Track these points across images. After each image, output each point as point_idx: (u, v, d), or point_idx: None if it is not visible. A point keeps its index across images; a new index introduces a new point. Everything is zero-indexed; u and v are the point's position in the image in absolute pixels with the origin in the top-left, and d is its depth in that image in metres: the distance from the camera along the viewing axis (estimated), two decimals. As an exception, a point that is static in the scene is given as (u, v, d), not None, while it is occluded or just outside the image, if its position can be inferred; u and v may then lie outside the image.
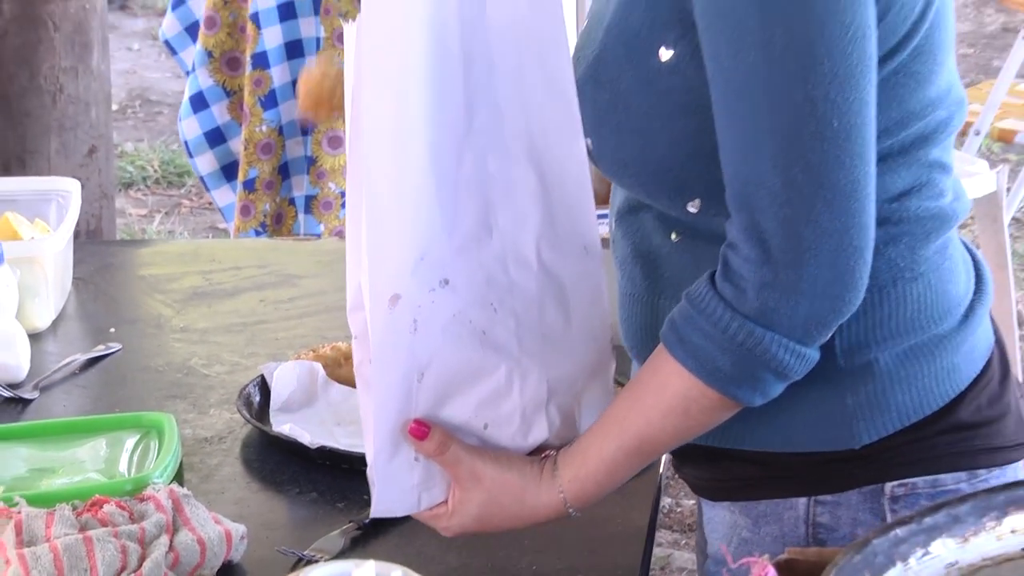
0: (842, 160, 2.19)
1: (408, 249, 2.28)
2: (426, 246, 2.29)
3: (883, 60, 2.24)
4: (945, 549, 1.46)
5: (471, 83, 2.31)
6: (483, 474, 2.35)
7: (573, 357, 2.45)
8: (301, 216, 5.63)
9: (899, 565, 1.44)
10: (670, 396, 2.31)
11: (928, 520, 1.47)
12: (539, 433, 2.41)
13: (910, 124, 2.34)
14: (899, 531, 1.48)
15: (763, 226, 2.20)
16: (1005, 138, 6.04)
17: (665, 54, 2.27)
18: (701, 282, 2.27)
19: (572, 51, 2.41)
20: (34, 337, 3.07)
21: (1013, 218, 6.44)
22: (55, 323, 3.18)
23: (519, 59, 2.35)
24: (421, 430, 2.31)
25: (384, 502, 2.34)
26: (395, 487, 2.34)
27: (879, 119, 2.24)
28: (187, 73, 5.78)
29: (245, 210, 5.65)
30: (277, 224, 5.64)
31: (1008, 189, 6.06)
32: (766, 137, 2.20)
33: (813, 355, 2.26)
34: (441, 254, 2.31)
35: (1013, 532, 1.46)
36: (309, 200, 5.60)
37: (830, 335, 2.27)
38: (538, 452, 2.42)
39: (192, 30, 5.74)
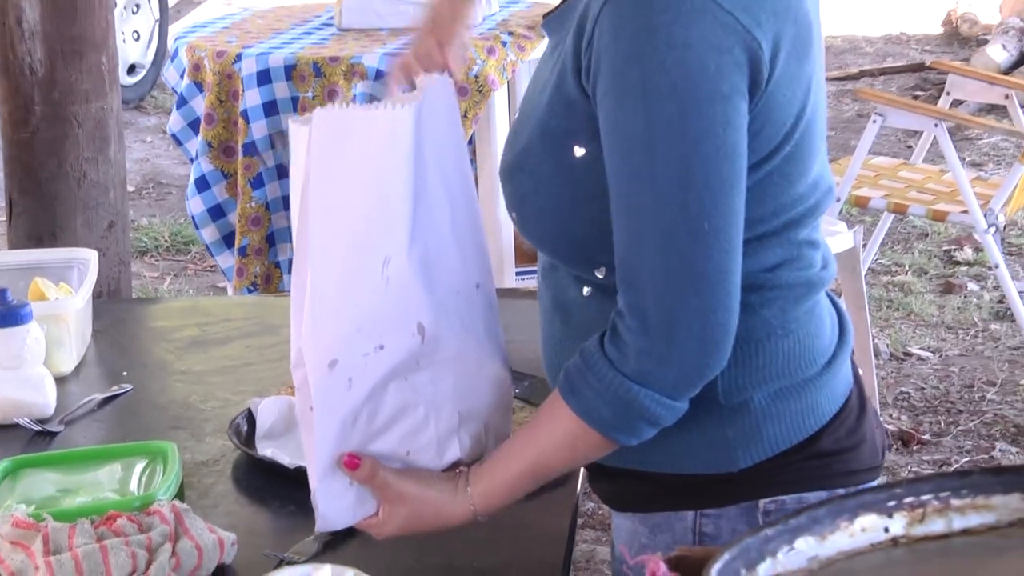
0: (710, 255, 2.22)
1: (346, 323, 2.32)
2: (362, 320, 2.32)
3: (758, 165, 2.26)
4: (807, 545, 1.47)
5: (415, 196, 2.35)
6: (406, 493, 2.38)
7: (479, 391, 2.48)
8: (285, 276, 5.67)
9: (768, 559, 1.46)
10: (561, 434, 2.34)
11: (792, 522, 1.50)
12: (452, 454, 2.43)
13: (782, 214, 2.35)
14: (768, 531, 1.50)
15: (644, 304, 2.23)
16: (861, 204, 6.05)
17: (579, 151, 2.28)
18: (593, 342, 2.29)
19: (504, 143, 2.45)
20: (59, 380, 3.06)
21: (869, 268, 6.44)
22: (77, 368, 3.16)
23: (442, 163, 2.41)
24: (353, 462, 2.34)
25: (325, 518, 2.36)
26: (333, 507, 2.37)
27: (756, 210, 2.28)
28: (191, 160, 5.83)
29: (240, 272, 5.70)
30: (267, 283, 5.68)
31: (864, 245, 6.10)
32: (649, 232, 2.23)
33: (682, 407, 2.28)
34: (376, 326, 2.34)
35: (863, 530, 1.48)
36: (291, 263, 5.59)
37: (702, 387, 2.29)
38: (453, 468, 2.43)
39: (194, 125, 5.77)
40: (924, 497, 1.48)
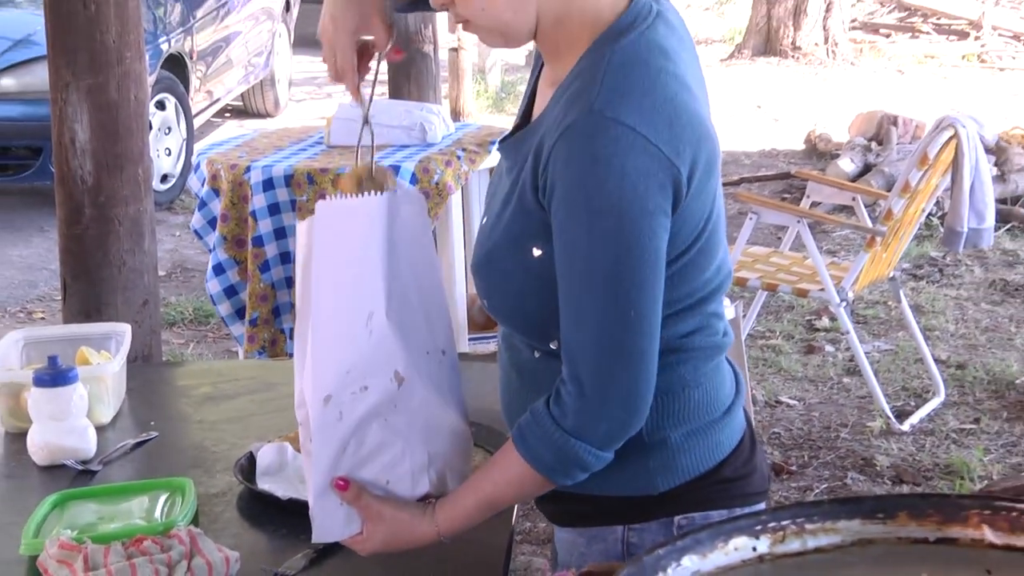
0: (635, 339, 2.25)
1: (338, 366, 2.33)
2: (351, 364, 2.34)
3: (677, 258, 2.29)
4: (691, 562, 1.48)
5: (392, 269, 2.37)
6: (385, 515, 2.39)
7: (443, 438, 2.48)
8: (289, 341, 5.67)
9: (659, 574, 1.44)
10: (512, 474, 2.36)
11: (680, 543, 1.51)
12: (423, 488, 2.44)
13: (695, 293, 2.37)
14: (660, 551, 1.51)
15: (581, 375, 2.26)
16: (740, 283, 6.05)
17: (536, 252, 2.29)
18: (540, 402, 2.30)
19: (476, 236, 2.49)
20: (99, 429, 3.03)
21: (748, 334, 6.44)
22: (114, 419, 3.13)
23: (410, 247, 2.42)
24: (343, 485, 2.36)
25: (320, 531, 2.38)
26: (326, 522, 2.38)
27: (675, 291, 2.31)
28: (210, 251, 5.83)
29: (251, 338, 5.69)
30: (273, 346, 5.68)
31: (744, 315, 6.10)
32: (587, 319, 2.26)
33: (608, 456, 2.31)
34: (362, 370, 2.35)
35: (736, 549, 1.49)
36: (292, 331, 5.66)
37: (627, 437, 2.32)
38: (424, 499, 2.44)
39: (212, 223, 5.76)
40: (784, 522, 1.49)
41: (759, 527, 1.48)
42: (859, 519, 1.47)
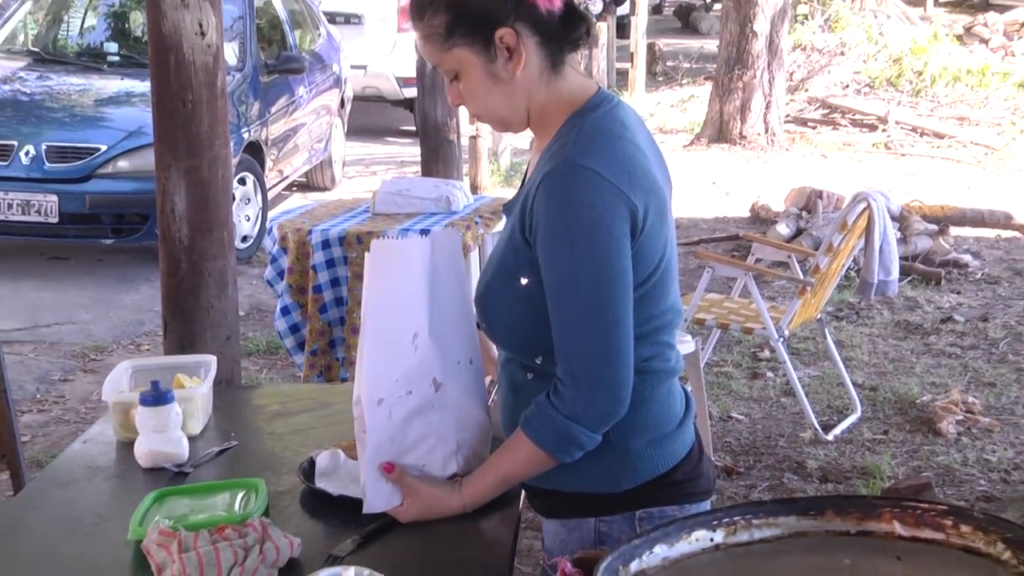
0: (616, 337, 2.27)
1: (389, 375, 2.42)
2: (399, 374, 2.42)
3: (636, 288, 2.30)
4: (661, 550, 1.48)
5: (433, 296, 2.44)
6: (422, 491, 2.46)
7: (470, 428, 2.53)
8: (341, 368, 5.68)
9: (636, 560, 1.44)
10: (522, 455, 2.39)
11: (652, 535, 1.53)
12: (452, 469, 2.51)
13: (652, 322, 2.37)
14: (636, 542, 1.52)
15: (574, 370, 2.28)
16: (699, 323, 6.04)
17: (524, 280, 2.32)
18: (542, 396, 2.33)
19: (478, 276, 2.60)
20: (191, 439, 3.02)
21: (705, 363, 6.41)
22: (203, 431, 3.12)
23: (450, 280, 2.49)
24: (389, 468, 2.44)
25: (370, 503, 2.45)
26: (376, 496, 2.45)
27: (637, 318, 2.31)
28: (278, 296, 5.86)
29: (311, 366, 5.72)
30: (328, 371, 5.71)
31: (702, 348, 6.07)
32: (576, 325, 2.27)
33: (598, 438, 2.32)
34: (408, 379, 2.43)
35: (697, 540, 1.49)
36: (344, 359, 5.65)
37: (607, 429, 2.32)
38: (452, 478, 2.49)
39: (280, 274, 5.81)
40: (735, 518, 1.49)
41: (716, 522, 1.49)
42: (795, 516, 1.47)
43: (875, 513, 1.41)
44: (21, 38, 10.34)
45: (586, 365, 2.27)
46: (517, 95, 2.34)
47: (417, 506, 2.43)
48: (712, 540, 1.45)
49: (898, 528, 1.39)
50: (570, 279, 2.24)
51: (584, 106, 2.35)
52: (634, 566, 1.41)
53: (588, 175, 2.21)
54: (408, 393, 2.39)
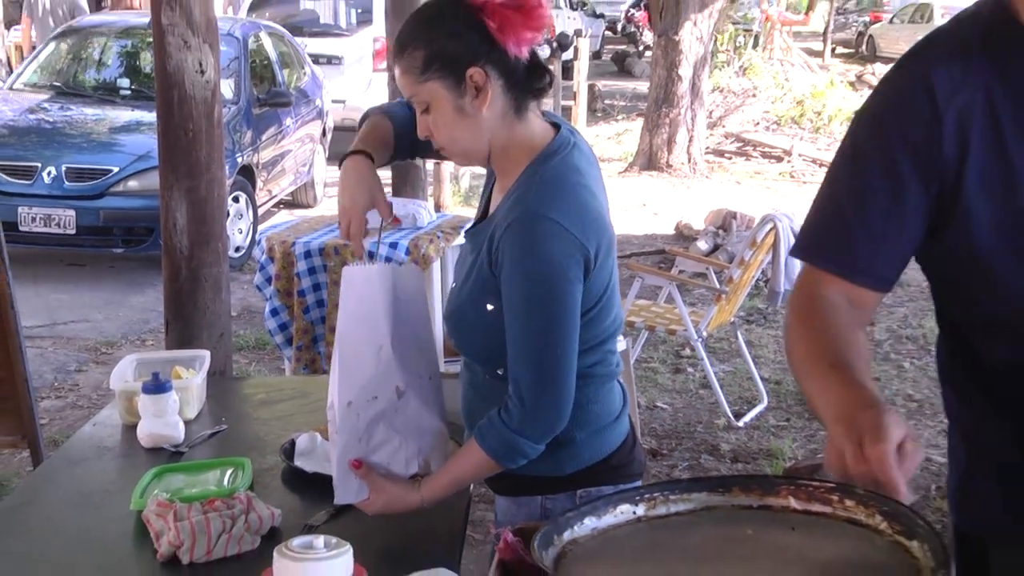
0: (560, 369, 2.27)
1: (357, 382, 2.36)
2: (365, 381, 2.36)
3: (586, 312, 2.30)
4: (590, 521, 1.47)
5: (396, 316, 2.39)
6: (386, 487, 2.38)
7: (429, 435, 2.47)
8: (323, 362, 5.67)
9: (568, 530, 1.43)
10: (474, 461, 2.36)
11: (583, 508, 1.52)
12: (413, 469, 2.44)
13: (598, 338, 2.38)
14: (569, 514, 1.50)
15: (522, 394, 2.27)
16: (630, 325, 6.05)
17: (489, 307, 2.30)
18: (494, 412, 2.31)
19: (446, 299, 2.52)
20: (187, 423, 3.01)
21: (636, 360, 6.45)
22: (197, 416, 3.12)
23: (412, 308, 2.44)
24: (357, 465, 2.37)
25: (340, 496, 2.38)
26: (345, 489, 2.38)
27: (584, 335, 2.30)
28: (267, 300, 5.80)
29: (297, 359, 5.68)
30: (312, 364, 5.67)
31: (632, 347, 6.10)
32: (527, 354, 2.26)
33: (541, 447, 2.32)
34: (373, 385, 2.37)
35: (622, 512, 1.48)
36: (324, 354, 5.66)
37: (553, 436, 2.33)
38: (413, 478, 2.43)
39: (268, 280, 5.76)
40: (655, 494, 1.49)
41: (638, 497, 1.48)
42: (706, 492, 1.47)
43: (774, 490, 1.42)
44: (45, 73, 10.28)
45: (533, 390, 2.26)
46: (481, 131, 2.29)
47: (381, 501, 2.38)
48: (635, 513, 1.45)
49: (793, 503, 1.40)
50: (525, 317, 2.23)
51: (544, 152, 2.32)
52: (567, 535, 1.40)
53: (548, 225, 2.19)
54: (374, 398, 2.34)
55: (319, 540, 1.37)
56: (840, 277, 1.84)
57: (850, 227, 1.82)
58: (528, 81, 2.31)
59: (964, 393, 1.95)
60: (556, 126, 2.39)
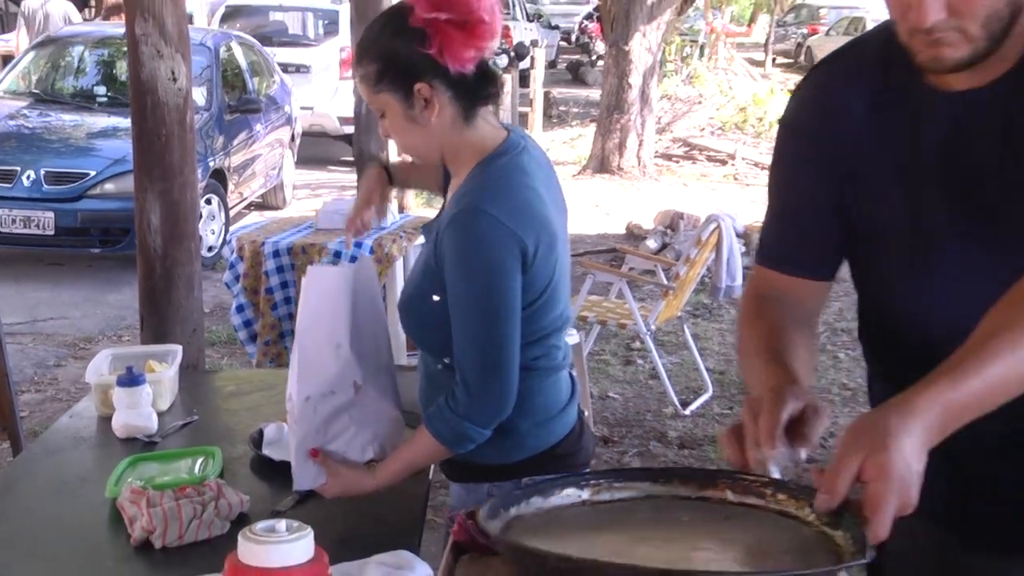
0: (502, 355, 2.27)
1: (315, 378, 2.35)
2: (323, 377, 2.36)
3: (528, 306, 2.29)
4: (537, 501, 1.48)
5: (354, 315, 2.38)
6: (342, 472, 2.39)
7: (384, 422, 2.47)
8: (288, 355, 5.57)
9: (515, 506, 1.46)
10: (424, 446, 2.36)
11: (529, 488, 1.51)
12: (369, 455, 2.44)
13: (542, 331, 2.37)
14: (516, 492, 1.52)
15: (467, 380, 2.27)
16: (583, 320, 6.06)
17: (435, 298, 2.30)
18: (442, 399, 2.31)
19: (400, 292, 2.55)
20: (160, 414, 2.99)
21: (588, 353, 6.44)
22: (170, 408, 3.09)
23: (367, 303, 2.43)
24: (315, 453, 2.37)
25: (299, 482, 2.38)
26: (303, 476, 2.38)
27: (528, 328, 2.30)
28: (235, 296, 5.74)
29: (264, 354, 5.64)
30: (279, 358, 5.62)
31: (585, 340, 6.10)
32: (471, 342, 2.27)
33: (487, 433, 2.32)
34: (331, 382, 2.37)
35: (567, 495, 1.48)
36: (290, 348, 5.59)
37: (498, 421, 2.32)
38: (369, 463, 2.43)
39: (237, 278, 5.72)
40: (601, 481, 1.49)
41: (584, 482, 1.47)
42: (648, 482, 1.47)
43: (713, 482, 1.43)
44: (25, 81, 10.19)
45: (477, 376, 2.26)
46: (432, 137, 2.32)
47: (338, 485, 2.38)
48: (580, 497, 1.45)
49: (729, 495, 1.41)
50: (466, 306, 2.24)
51: (492, 153, 2.33)
52: (513, 511, 1.41)
53: (487, 219, 2.21)
54: (332, 393, 2.34)
55: (281, 524, 1.36)
56: (779, 272, 1.90)
57: (783, 225, 1.90)
58: (477, 89, 2.32)
59: (876, 375, 2.00)
60: (509, 131, 2.41)
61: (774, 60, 27.49)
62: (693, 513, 1.40)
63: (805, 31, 28.90)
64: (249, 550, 1.34)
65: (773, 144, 1.94)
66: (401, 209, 10.03)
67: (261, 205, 11.40)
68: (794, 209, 1.88)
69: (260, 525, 1.35)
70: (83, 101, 9.90)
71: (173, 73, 4.64)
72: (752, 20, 29.90)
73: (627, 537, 1.36)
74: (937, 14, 1.54)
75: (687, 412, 6.14)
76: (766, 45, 26.96)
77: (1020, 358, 1.41)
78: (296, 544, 1.35)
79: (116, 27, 10.57)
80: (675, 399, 6.21)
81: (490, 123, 2.38)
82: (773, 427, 1.43)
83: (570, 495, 1.44)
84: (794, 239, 1.89)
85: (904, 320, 1.83)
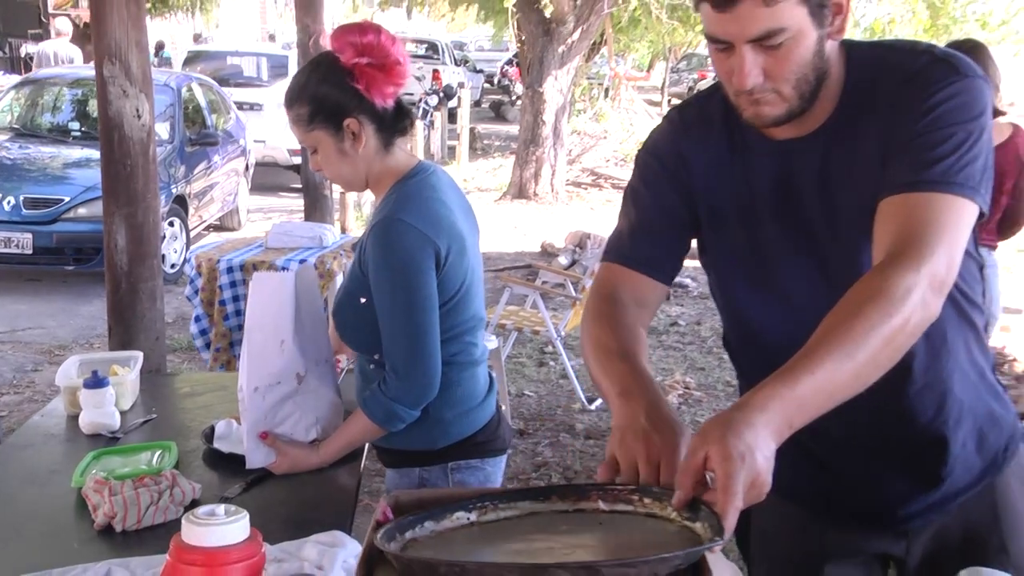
0: (425, 344, 2.27)
1: (263, 370, 2.37)
2: (270, 369, 2.37)
3: (444, 304, 2.31)
4: (429, 524, 1.42)
5: (296, 315, 2.39)
6: (289, 451, 2.41)
7: (325, 407, 2.48)
8: (237, 362, 5.52)
9: (410, 530, 1.40)
10: (360, 426, 2.38)
11: (423, 514, 1.44)
12: (312, 435, 2.46)
13: (457, 328, 2.38)
14: (411, 517, 1.43)
15: (396, 366, 2.27)
16: (502, 327, 6.05)
17: (362, 300, 2.32)
18: (375, 385, 2.32)
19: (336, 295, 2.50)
20: (122, 413, 2.94)
21: (507, 356, 6.44)
22: (131, 407, 3.03)
23: (309, 304, 2.43)
24: (264, 435, 2.39)
25: (251, 461, 2.40)
26: (255, 455, 2.40)
27: (444, 324, 2.31)
28: (195, 308, 5.66)
29: (215, 359, 5.57)
30: (228, 364, 5.55)
31: (504, 345, 6.09)
32: (397, 334, 2.26)
33: (416, 413, 2.31)
34: (277, 373, 2.38)
35: (457, 518, 1.44)
36: (239, 355, 5.56)
37: (425, 405, 2.33)
38: (313, 443, 2.44)
39: (196, 292, 5.65)
40: (486, 503, 1.43)
41: (471, 506, 1.43)
42: (529, 501, 1.44)
43: (586, 495, 1.41)
44: (6, 117, 10.02)
45: (403, 362, 2.27)
46: (359, 166, 2.37)
47: (286, 463, 2.39)
48: (468, 519, 1.41)
49: (601, 504, 1.40)
50: (390, 301, 2.25)
51: (405, 175, 2.39)
52: (408, 534, 1.37)
53: (402, 225, 2.24)
54: (278, 383, 2.35)
55: (220, 508, 1.35)
56: (632, 269, 1.85)
57: (641, 233, 1.86)
58: (394, 122, 2.38)
59: (741, 375, 2.08)
60: (420, 161, 2.47)
61: (669, 101, 27.68)
62: (571, 523, 1.38)
63: (696, 76, 29.17)
64: (191, 532, 1.33)
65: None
66: (343, 230, 10.01)
67: (219, 227, 11.28)
68: (651, 222, 1.86)
69: (202, 510, 1.34)
70: (59, 135, 9.75)
71: (138, 111, 4.59)
72: (650, 66, 30.11)
73: (511, 547, 1.34)
74: (755, 79, 1.61)
75: (592, 407, 6.16)
76: (662, 88, 27.15)
77: (846, 360, 1.42)
78: (233, 526, 1.34)
79: (89, 69, 10.44)
80: (582, 396, 6.23)
81: (404, 151, 2.45)
82: (675, 474, 1.39)
83: (459, 518, 1.39)
84: (649, 246, 1.86)
85: (754, 330, 1.88)
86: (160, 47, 21.79)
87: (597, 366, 1.68)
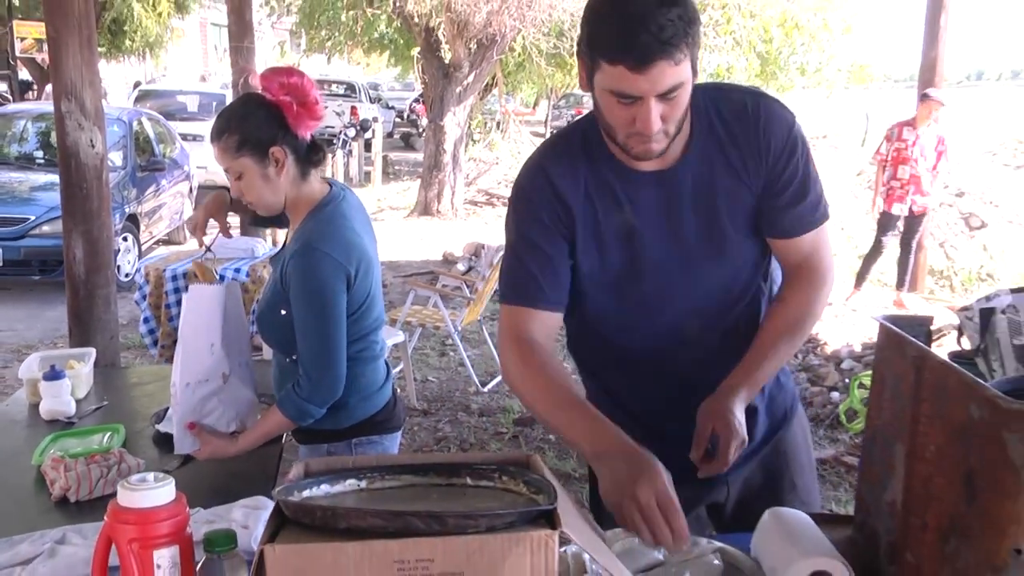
0: (332, 354, 2.25)
1: (194, 368, 2.29)
2: (200, 368, 2.30)
3: (352, 314, 2.29)
4: (324, 487, 1.41)
5: (224, 322, 2.33)
6: (211, 441, 2.33)
7: (244, 404, 2.42)
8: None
9: (307, 490, 1.39)
10: (275, 420, 2.33)
11: (318, 478, 1.41)
12: (233, 428, 2.39)
13: (363, 331, 2.36)
14: (308, 479, 1.41)
15: (308, 371, 2.25)
16: (408, 324, 6.00)
17: (283, 311, 2.29)
18: (289, 385, 2.29)
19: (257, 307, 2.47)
20: (77, 401, 2.89)
21: (413, 349, 6.40)
22: (85, 396, 2.98)
23: (234, 314, 2.37)
24: (191, 426, 2.31)
25: (178, 447, 2.32)
26: (182, 443, 2.32)
27: (352, 329, 2.29)
28: (143, 311, 5.55)
29: (161, 355, 5.45)
30: (172, 360, 5.38)
31: (410, 340, 6.05)
32: (309, 345, 2.24)
33: (323, 410, 2.30)
34: (206, 372, 2.31)
35: (349, 483, 1.42)
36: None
37: (331, 403, 2.30)
38: (233, 434, 2.37)
39: (144, 298, 5.52)
40: (374, 474, 1.42)
41: (361, 474, 1.42)
42: (411, 474, 1.42)
43: (458, 472, 1.40)
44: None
45: (315, 369, 2.26)
46: (279, 190, 2.32)
47: (208, 450, 2.33)
48: (359, 485, 1.38)
49: (468, 480, 1.39)
50: (306, 318, 2.23)
51: (319, 203, 2.35)
52: (305, 493, 1.35)
53: (319, 254, 2.22)
54: (206, 380, 2.29)
55: (150, 476, 1.35)
56: (533, 308, 1.78)
57: (531, 270, 1.78)
58: (310, 154, 2.35)
59: (584, 374, 2.04)
60: (331, 185, 2.43)
61: (551, 133, 27.85)
62: (441, 494, 1.39)
63: (573, 112, 29.43)
64: (125, 496, 1.32)
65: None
66: (274, 244, 9.87)
67: (167, 241, 11.03)
68: (540, 259, 1.78)
69: (134, 477, 1.34)
70: (25, 162, 9.46)
71: (92, 141, 4.50)
72: (535, 104, 30.30)
73: (389, 506, 1.35)
74: (657, 124, 1.63)
75: (485, 390, 6.17)
76: (546, 122, 27.34)
77: (783, 355, 1.78)
78: (160, 490, 1.33)
79: (50, 105, 10.14)
80: (476, 381, 6.25)
81: (318, 180, 2.41)
82: (684, 527, 1.44)
83: (351, 484, 1.38)
84: (553, 286, 1.78)
85: (612, 338, 1.88)
86: (137, 85, 21.24)
87: (558, 422, 1.65)
